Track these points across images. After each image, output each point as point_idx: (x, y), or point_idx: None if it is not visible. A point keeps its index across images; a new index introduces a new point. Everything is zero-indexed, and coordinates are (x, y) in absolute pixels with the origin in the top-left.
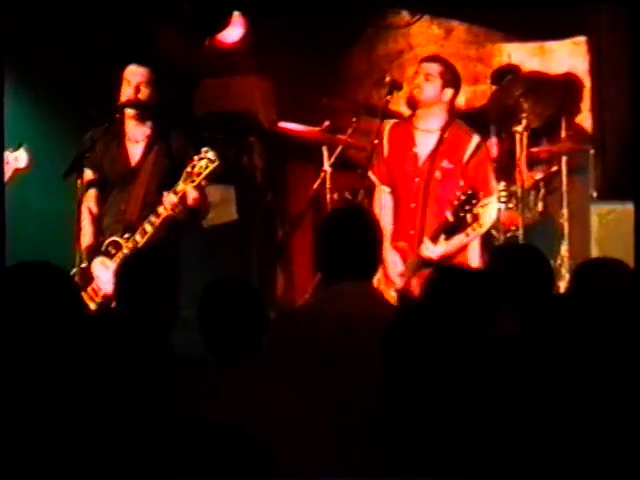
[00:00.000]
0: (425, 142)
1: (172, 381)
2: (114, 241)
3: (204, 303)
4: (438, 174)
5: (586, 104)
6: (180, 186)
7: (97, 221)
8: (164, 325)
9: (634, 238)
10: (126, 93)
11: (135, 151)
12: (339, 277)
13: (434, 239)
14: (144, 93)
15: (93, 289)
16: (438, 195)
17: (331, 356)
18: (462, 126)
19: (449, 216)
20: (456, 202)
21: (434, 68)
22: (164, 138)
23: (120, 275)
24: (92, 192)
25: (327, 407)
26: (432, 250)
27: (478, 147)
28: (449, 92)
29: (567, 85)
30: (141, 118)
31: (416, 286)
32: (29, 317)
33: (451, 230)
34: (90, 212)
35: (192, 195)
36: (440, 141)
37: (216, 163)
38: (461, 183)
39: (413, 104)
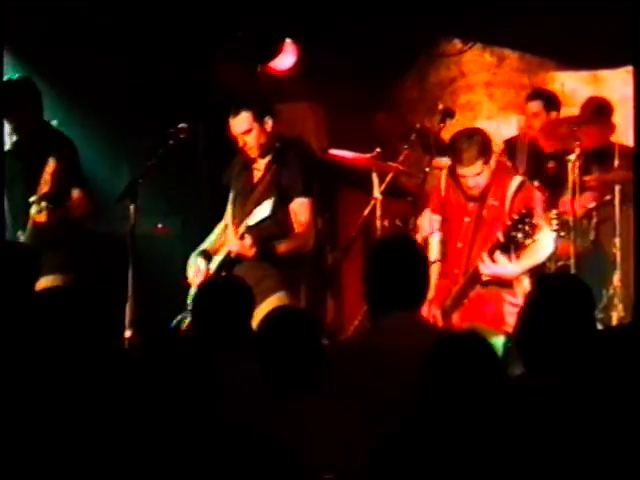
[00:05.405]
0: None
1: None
2: None
3: (263, 333)
4: (485, 212)
5: None
6: None
7: None
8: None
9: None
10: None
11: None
12: (387, 308)
13: (491, 256)
14: (251, 140)
15: None
16: (485, 235)
17: (379, 388)
18: (505, 166)
19: (500, 237)
20: (509, 222)
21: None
22: (280, 165)
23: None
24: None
25: (376, 438)
26: (490, 267)
27: (521, 184)
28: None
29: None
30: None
31: (457, 321)
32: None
33: (503, 251)
34: None
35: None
36: (489, 184)
37: None
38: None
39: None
